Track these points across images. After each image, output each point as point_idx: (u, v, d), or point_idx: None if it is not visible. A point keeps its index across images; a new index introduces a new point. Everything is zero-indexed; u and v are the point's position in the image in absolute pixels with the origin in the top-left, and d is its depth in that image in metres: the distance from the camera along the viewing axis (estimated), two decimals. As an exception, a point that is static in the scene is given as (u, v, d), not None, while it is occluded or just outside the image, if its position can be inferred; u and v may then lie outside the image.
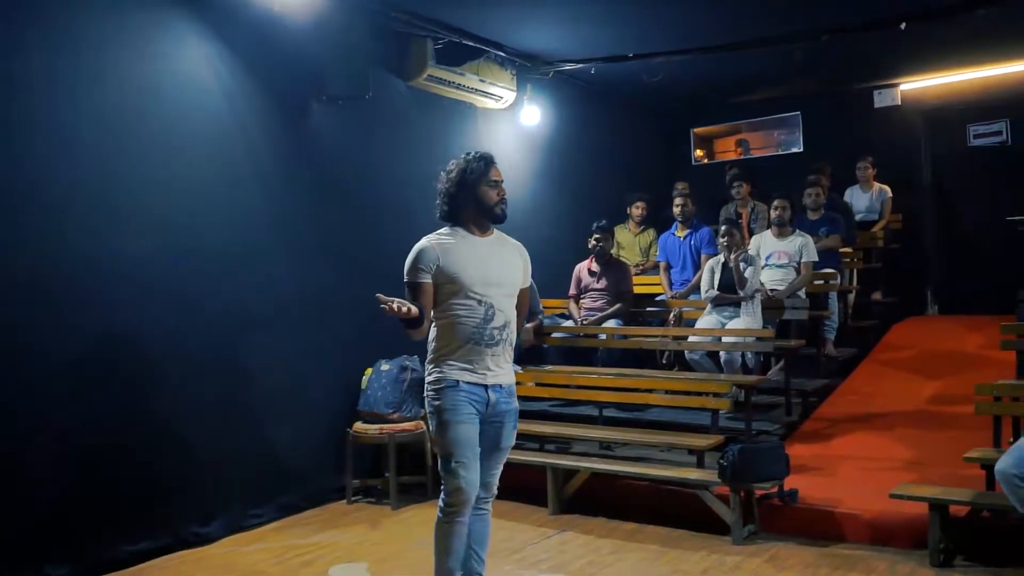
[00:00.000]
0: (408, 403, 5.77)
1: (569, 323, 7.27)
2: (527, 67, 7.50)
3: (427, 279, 3.40)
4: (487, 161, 3.52)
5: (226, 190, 5.27)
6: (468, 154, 3.55)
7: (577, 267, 7.36)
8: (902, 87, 9.18)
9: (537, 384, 6.26)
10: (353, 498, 5.79)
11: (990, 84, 8.70)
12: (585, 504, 5.42)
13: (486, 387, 3.41)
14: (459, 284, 3.38)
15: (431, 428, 3.47)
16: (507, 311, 3.46)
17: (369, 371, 5.89)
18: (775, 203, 7.27)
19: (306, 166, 5.81)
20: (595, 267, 7.23)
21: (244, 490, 5.24)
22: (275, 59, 5.54)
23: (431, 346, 3.48)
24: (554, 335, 7.10)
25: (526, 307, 3.66)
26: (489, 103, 7.25)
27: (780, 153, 10.19)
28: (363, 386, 5.85)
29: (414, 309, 3.26)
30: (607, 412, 6.29)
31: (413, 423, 5.76)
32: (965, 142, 9.04)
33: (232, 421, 5.20)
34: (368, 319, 6.04)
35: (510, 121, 7.70)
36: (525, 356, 6.81)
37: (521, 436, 6.23)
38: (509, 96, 7.30)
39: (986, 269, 8.67)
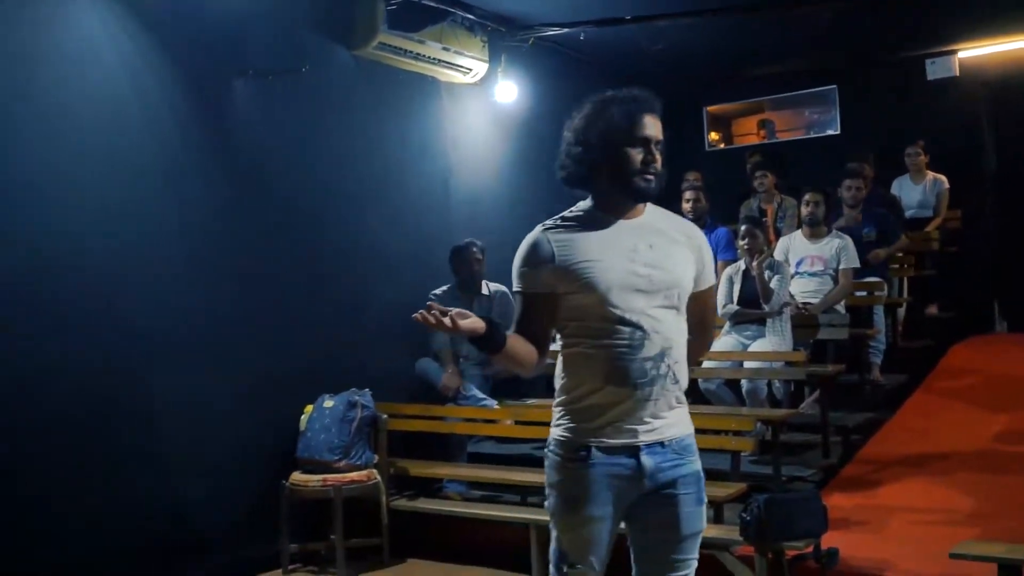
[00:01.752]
0: (358, 447, 5.77)
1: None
2: (502, 33, 7.55)
3: (540, 288, 2.82)
4: (638, 105, 2.87)
5: (123, 189, 5.22)
6: (609, 93, 2.91)
7: (565, 278, 7.38)
8: (960, 55, 9.31)
9: (517, 423, 6.27)
10: (290, 567, 5.76)
11: (1068, 51, 8.86)
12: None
13: (638, 450, 2.78)
14: (589, 294, 2.78)
15: (548, 503, 2.91)
16: (667, 331, 2.79)
17: (309, 409, 5.88)
18: (806, 198, 7.35)
19: (228, 157, 5.80)
20: (587, 278, 7.24)
21: (147, 563, 5.17)
22: (189, 26, 5.53)
23: (557, 386, 2.93)
24: (538, 362, 7.11)
25: (704, 322, 3.09)
26: (456, 76, 7.29)
27: (812, 136, 10.32)
28: (302, 427, 5.84)
29: (473, 322, 2.68)
30: (603, 456, 6.31)
31: (364, 472, 5.75)
32: (1036, 121, 9.18)
33: (129, 476, 5.13)
34: (307, 345, 6.09)
35: (481, 98, 7.75)
36: (501, 388, 6.83)
37: (498, 487, 6.31)
38: (480, 68, 7.35)
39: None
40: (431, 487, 6.31)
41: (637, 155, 2.83)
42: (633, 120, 2.84)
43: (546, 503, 2.91)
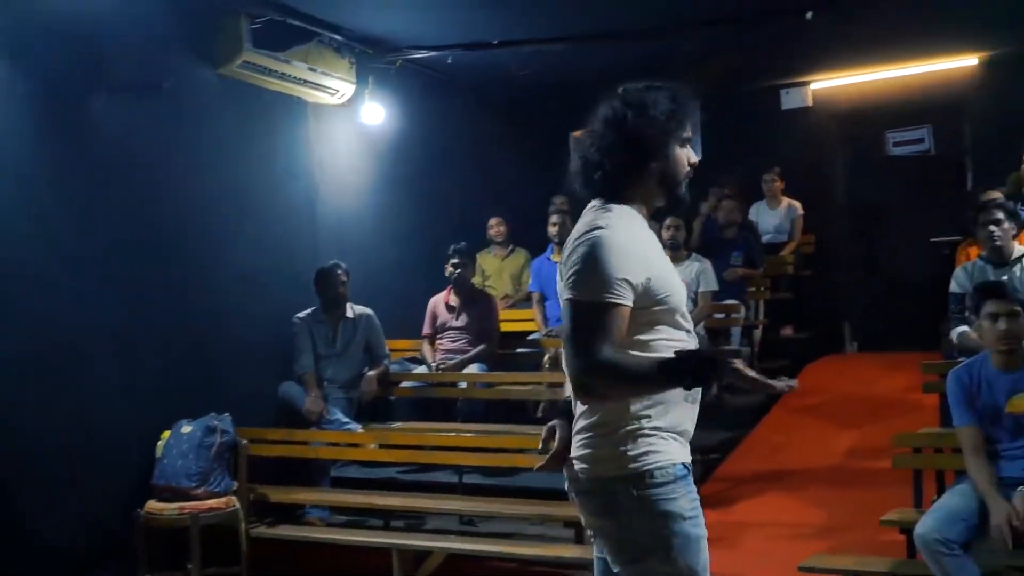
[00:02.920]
0: (217, 474, 5.64)
1: (422, 369, 7.28)
2: (369, 55, 7.53)
3: (628, 301, 2.45)
4: (686, 98, 2.61)
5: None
6: (651, 86, 2.62)
7: (432, 301, 7.39)
8: (813, 86, 9.72)
9: (381, 446, 6.22)
10: (145, 598, 5.60)
11: (910, 85, 9.33)
12: (441, 593, 5.42)
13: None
14: (669, 305, 2.54)
15: (676, 542, 2.50)
16: None
17: (166, 435, 5.74)
18: (667, 222, 7.51)
19: (86, 171, 5.66)
20: (453, 301, 7.28)
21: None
22: (45, 37, 5.38)
23: (623, 407, 2.53)
24: (403, 384, 7.09)
25: None
26: (323, 97, 7.24)
27: (675, 162, 10.54)
28: (158, 454, 5.68)
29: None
30: (468, 478, 6.31)
31: (223, 499, 5.62)
32: (884, 150, 9.64)
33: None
34: (165, 368, 5.94)
35: (349, 119, 7.71)
36: (367, 412, 6.78)
37: (362, 511, 6.25)
38: (347, 89, 7.31)
39: (909, 299, 9.21)
40: (293, 513, 6.20)
41: (685, 157, 2.63)
42: (687, 114, 2.59)
43: (674, 543, 2.49)
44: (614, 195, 2.58)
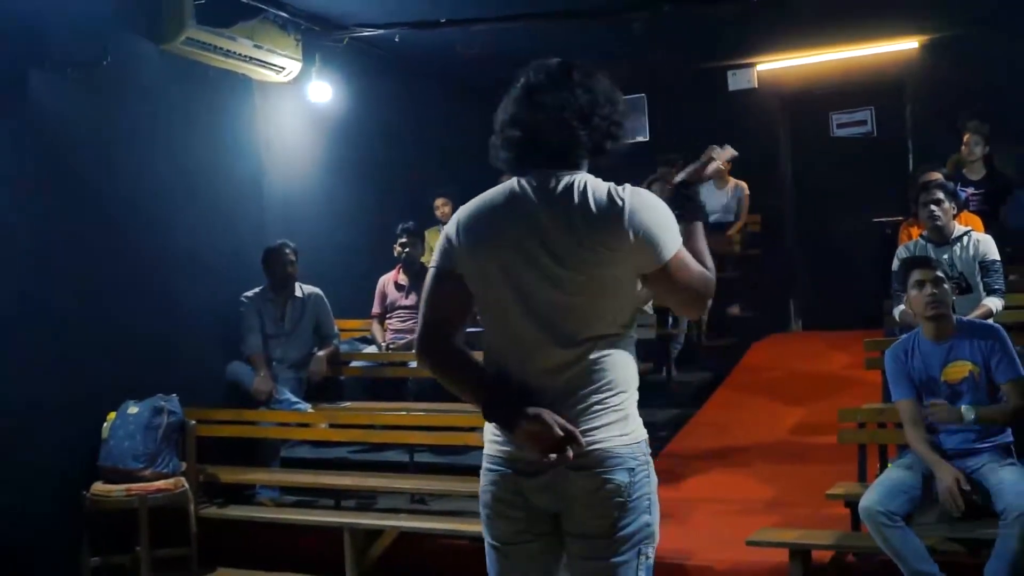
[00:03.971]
0: (164, 455, 5.59)
1: (372, 349, 7.27)
2: (316, 32, 7.47)
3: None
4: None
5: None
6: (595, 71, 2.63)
7: (381, 280, 7.38)
8: (759, 68, 9.81)
9: (332, 426, 6.22)
10: (93, 581, 5.55)
11: (853, 67, 9.47)
12: (393, 572, 5.43)
13: None
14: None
15: (651, 517, 2.51)
16: None
17: (112, 416, 5.67)
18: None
19: (23, 152, 5.55)
20: (403, 280, 7.27)
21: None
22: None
23: (622, 378, 2.52)
24: (353, 364, 7.07)
25: None
26: (269, 75, 7.16)
27: (624, 142, 10.59)
28: (104, 435, 5.61)
29: None
30: (419, 457, 6.33)
31: (171, 480, 5.57)
32: (828, 132, 9.78)
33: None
34: (110, 348, 5.87)
35: (295, 98, 7.64)
36: (317, 392, 6.76)
37: (314, 491, 6.25)
38: (294, 67, 7.24)
39: (853, 278, 9.37)
40: (242, 494, 6.18)
41: None
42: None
43: (649, 520, 2.49)
44: (576, 167, 2.55)
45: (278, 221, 7.30)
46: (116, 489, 5.47)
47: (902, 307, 5.63)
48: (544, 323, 2.44)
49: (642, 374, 2.69)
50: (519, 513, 2.50)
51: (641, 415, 2.56)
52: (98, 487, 5.51)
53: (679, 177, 2.68)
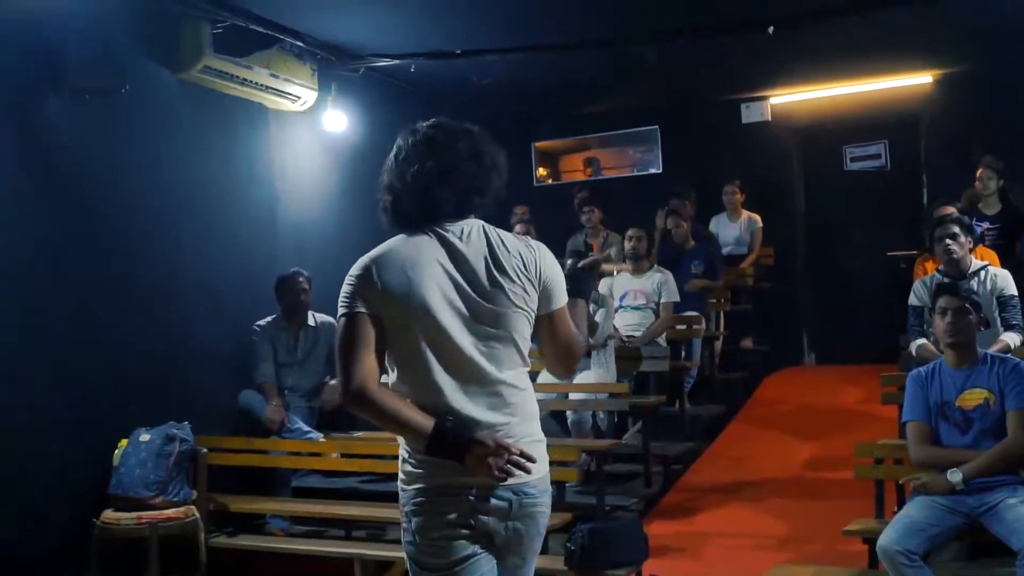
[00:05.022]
0: (176, 483, 5.57)
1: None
2: (332, 62, 7.50)
3: None
4: None
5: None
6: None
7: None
8: (772, 101, 9.81)
9: (343, 455, 6.18)
10: (100, 610, 5.50)
11: (868, 101, 9.47)
12: (403, 604, 5.39)
13: None
14: None
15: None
16: None
17: (124, 443, 5.65)
18: (630, 233, 7.56)
19: (40, 179, 5.57)
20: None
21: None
22: (1, 39, 5.30)
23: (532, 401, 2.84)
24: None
25: None
26: (284, 104, 7.19)
27: (636, 174, 10.62)
28: (115, 463, 5.60)
29: None
30: (430, 488, 6.28)
31: (182, 509, 5.54)
32: (842, 165, 9.77)
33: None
34: (123, 375, 5.87)
35: (311, 127, 7.67)
36: (328, 420, 6.73)
37: (324, 522, 6.19)
38: (309, 96, 7.27)
39: (866, 312, 9.33)
40: (253, 523, 6.14)
41: None
42: None
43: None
44: (460, 218, 2.73)
45: (291, 249, 7.30)
46: (126, 517, 5.44)
47: (920, 341, 5.62)
48: (476, 356, 2.62)
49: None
50: (469, 534, 2.64)
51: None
52: (108, 515, 5.48)
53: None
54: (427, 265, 2.62)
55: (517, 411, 2.67)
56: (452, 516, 2.61)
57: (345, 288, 2.69)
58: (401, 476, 2.74)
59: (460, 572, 2.64)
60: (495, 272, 2.63)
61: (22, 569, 5.26)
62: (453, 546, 2.62)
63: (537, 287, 2.69)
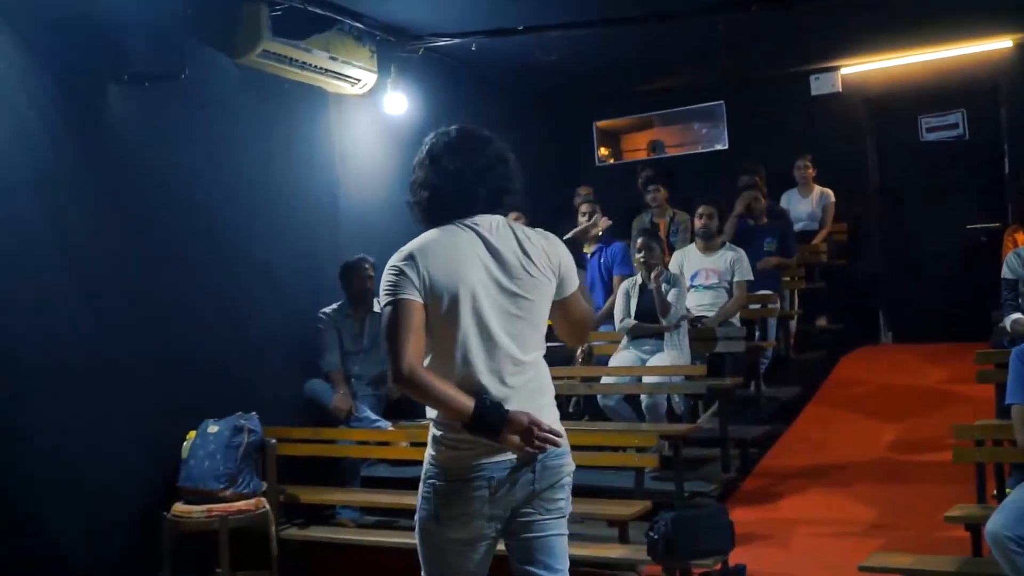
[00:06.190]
0: (245, 475, 5.52)
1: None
2: (391, 43, 7.39)
3: None
4: None
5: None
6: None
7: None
8: (843, 71, 9.53)
9: (412, 444, 6.07)
10: (172, 604, 5.47)
11: (944, 68, 9.14)
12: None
13: None
14: None
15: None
16: None
17: (192, 435, 5.62)
18: (700, 211, 7.38)
19: (104, 167, 5.54)
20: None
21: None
22: (61, 28, 5.25)
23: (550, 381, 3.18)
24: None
25: None
26: (344, 87, 7.08)
27: (701, 151, 10.41)
28: (184, 455, 5.56)
29: None
30: (501, 476, 6.17)
31: (252, 500, 5.50)
32: (917, 136, 9.44)
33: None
34: (190, 366, 5.82)
35: (370, 110, 7.56)
36: (396, 408, 6.64)
37: (394, 511, 6.10)
38: (369, 79, 7.15)
39: (945, 288, 9.04)
40: (323, 514, 6.08)
41: None
42: None
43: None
44: (497, 212, 3.01)
45: (354, 235, 7.21)
46: (196, 510, 5.40)
47: (1016, 316, 5.36)
48: (506, 340, 2.86)
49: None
50: (490, 513, 2.87)
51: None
52: (178, 508, 5.46)
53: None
54: (467, 256, 2.86)
55: (538, 386, 2.94)
56: (479, 494, 2.82)
57: (388, 277, 2.88)
58: (431, 452, 2.93)
59: (472, 551, 2.93)
60: (523, 264, 2.88)
61: (93, 563, 5.25)
62: (473, 525, 2.86)
63: (556, 276, 2.96)
